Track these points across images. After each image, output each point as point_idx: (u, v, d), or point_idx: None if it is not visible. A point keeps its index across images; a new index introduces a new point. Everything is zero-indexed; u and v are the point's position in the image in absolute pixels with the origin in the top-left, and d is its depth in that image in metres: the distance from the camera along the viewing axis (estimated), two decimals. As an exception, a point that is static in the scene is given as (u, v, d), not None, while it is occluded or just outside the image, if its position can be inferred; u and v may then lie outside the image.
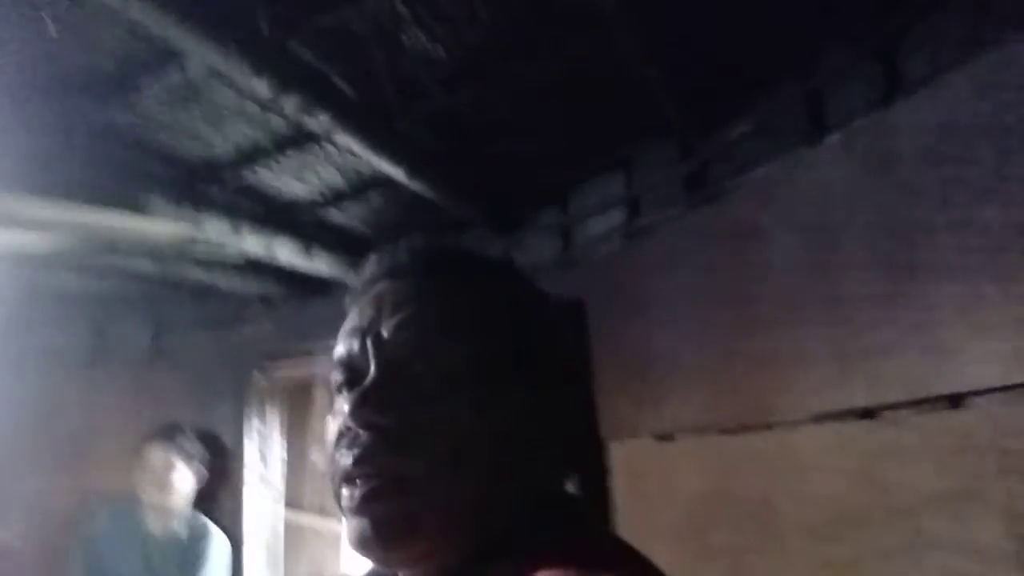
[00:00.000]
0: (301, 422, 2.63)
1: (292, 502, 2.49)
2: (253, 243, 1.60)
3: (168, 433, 2.06)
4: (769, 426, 1.19)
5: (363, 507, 0.49)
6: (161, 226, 1.48)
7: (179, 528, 2.02)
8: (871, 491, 1.00)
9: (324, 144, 1.37)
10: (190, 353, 2.34)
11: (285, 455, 2.42)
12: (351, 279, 0.63)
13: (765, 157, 1.20)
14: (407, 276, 0.55)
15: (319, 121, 1.11)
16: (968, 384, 0.91)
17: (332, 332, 0.57)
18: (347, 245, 1.90)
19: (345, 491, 0.50)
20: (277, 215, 1.67)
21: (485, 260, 0.58)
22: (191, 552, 2.01)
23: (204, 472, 2.07)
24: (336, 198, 1.69)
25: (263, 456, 2.34)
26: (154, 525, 2.00)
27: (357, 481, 0.49)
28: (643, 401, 1.50)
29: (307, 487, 2.67)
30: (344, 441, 0.51)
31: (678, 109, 1.35)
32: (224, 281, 2.02)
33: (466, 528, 0.49)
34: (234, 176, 1.50)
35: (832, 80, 1.13)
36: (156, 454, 2.00)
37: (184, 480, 2.02)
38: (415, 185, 1.41)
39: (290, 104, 1.06)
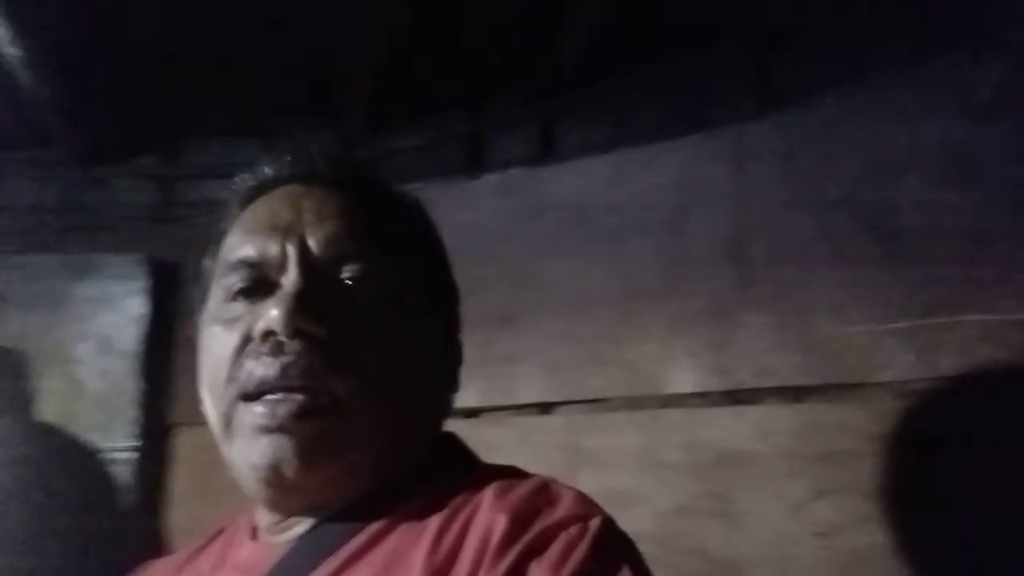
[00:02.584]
0: None
1: None
2: None
3: None
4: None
5: (289, 424, 0.42)
6: None
7: None
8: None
9: None
10: None
11: None
12: (241, 177, 0.51)
13: (425, 175, 1.32)
14: (325, 184, 0.50)
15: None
16: (559, 396, 1.15)
17: None
18: None
19: (259, 408, 0.42)
20: None
21: (393, 185, 0.56)
22: None
23: None
24: None
25: None
26: None
27: (279, 394, 0.42)
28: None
29: None
30: (262, 348, 0.43)
31: (345, 97, 1.38)
32: None
33: (386, 457, 0.46)
34: None
35: (496, 126, 1.33)
36: None
37: None
38: (26, 78, 1.11)
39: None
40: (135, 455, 1.28)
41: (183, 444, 1.38)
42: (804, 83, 1.03)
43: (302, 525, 0.48)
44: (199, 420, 1.41)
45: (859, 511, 0.84)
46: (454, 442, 0.56)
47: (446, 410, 0.57)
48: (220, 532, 0.57)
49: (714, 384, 1.02)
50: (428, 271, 0.55)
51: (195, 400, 1.43)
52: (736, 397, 1.00)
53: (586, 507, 0.44)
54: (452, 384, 0.57)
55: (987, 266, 0.81)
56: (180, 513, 1.34)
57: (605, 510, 0.45)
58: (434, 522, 0.44)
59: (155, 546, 1.29)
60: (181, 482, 1.36)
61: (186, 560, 0.56)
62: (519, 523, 0.42)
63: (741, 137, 1.07)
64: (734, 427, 0.98)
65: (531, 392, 1.16)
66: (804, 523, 0.88)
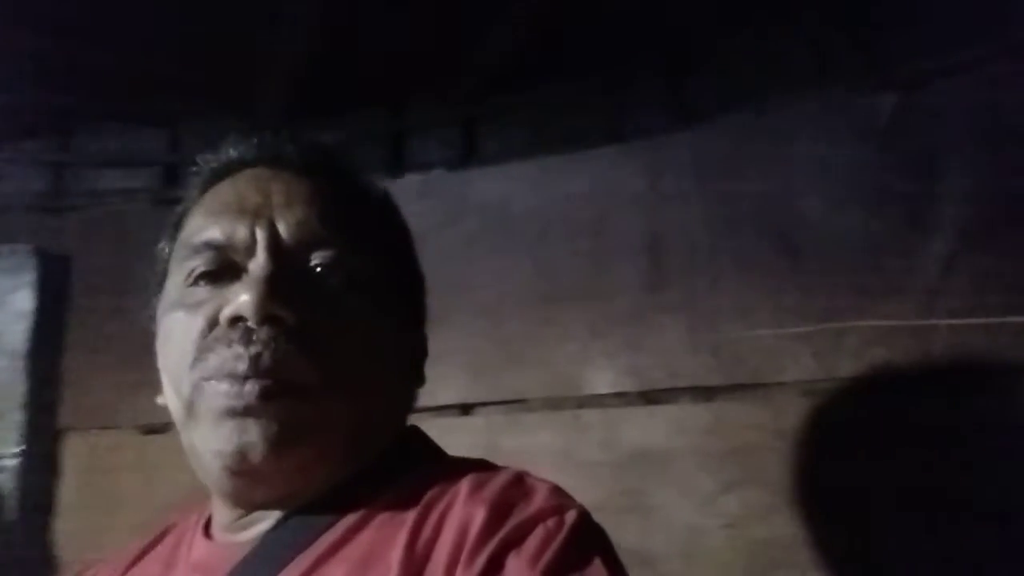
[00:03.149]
0: None
1: None
2: None
3: None
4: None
5: (257, 405, 0.41)
6: None
7: None
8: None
9: None
10: None
11: None
12: (204, 158, 0.49)
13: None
14: (293, 169, 0.49)
15: None
16: (479, 397, 1.17)
17: None
18: None
19: (225, 385, 0.41)
20: None
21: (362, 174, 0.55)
22: None
23: None
24: None
25: None
26: None
27: (247, 379, 0.41)
28: (129, 388, 1.33)
29: None
30: (231, 335, 0.42)
31: (259, 88, 1.34)
32: None
33: (354, 446, 0.45)
34: None
35: (418, 126, 1.32)
36: None
37: None
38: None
39: None
40: (21, 461, 1.19)
41: (73, 450, 1.30)
42: (716, 104, 1.10)
43: (266, 521, 0.47)
44: (90, 424, 1.34)
45: (763, 503, 0.90)
46: (419, 435, 0.57)
47: (411, 403, 0.57)
48: (166, 531, 0.55)
49: (630, 384, 1.06)
50: (397, 262, 0.55)
51: (86, 403, 1.36)
52: (650, 397, 1.04)
53: (562, 500, 0.45)
54: (417, 377, 0.57)
55: (880, 277, 0.89)
56: (68, 522, 1.26)
57: (579, 503, 0.46)
58: (409, 516, 0.44)
59: (42, 556, 1.20)
60: (70, 490, 1.28)
61: (131, 562, 0.53)
62: (496, 516, 0.42)
63: (657, 151, 1.12)
64: (649, 425, 1.03)
65: (451, 393, 1.16)
66: (713, 516, 0.93)
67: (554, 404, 1.11)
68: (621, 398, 1.07)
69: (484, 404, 1.15)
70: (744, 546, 0.90)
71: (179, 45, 1.28)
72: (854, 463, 0.85)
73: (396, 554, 0.41)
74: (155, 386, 1.27)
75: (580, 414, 1.08)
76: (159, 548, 0.54)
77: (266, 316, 0.43)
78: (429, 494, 0.45)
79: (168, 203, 1.42)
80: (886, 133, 0.92)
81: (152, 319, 0.51)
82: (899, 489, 0.81)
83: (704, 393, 1.01)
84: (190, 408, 0.45)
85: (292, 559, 0.43)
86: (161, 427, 1.29)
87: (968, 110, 0.86)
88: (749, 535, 0.90)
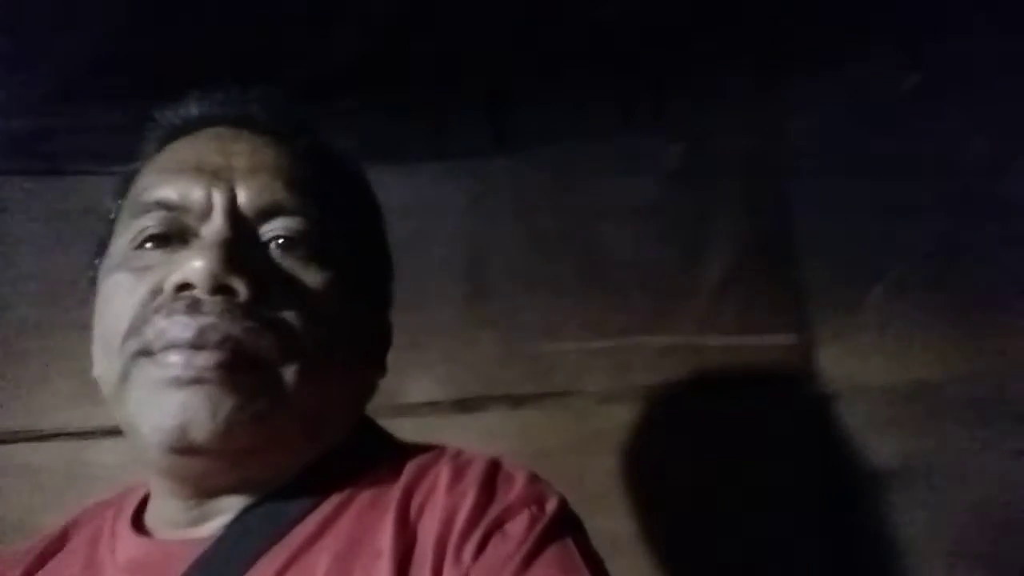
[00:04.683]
0: None
1: None
2: None
3: None
4: (54, 435, 1.11)
5: (213, 377, 0.38)
6: None
7: None
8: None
9: None
10: None
11: None
12: (161, 113, 0.44)
13: (126, 159, 1.21)
14: (261, 131, 0.45)
15: None
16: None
17: None
18: None
19: (173, 357, 0.38)
20: None
21: (333, 144, 0.52)
22: None
23: None
24: None
25: None
26: None
27: (199, 349, 0.38)
28: None
29: None
30: (175, 305, 0.38)
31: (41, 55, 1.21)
32: None
33: (313, 429, 0.42)
34: None
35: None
36: None
37: None
38: None
39: None
40: None
41: None
42: (534, 137, 1.19)
43: (223, 515, 0.42)
44: None
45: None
46: (374, 424, 0.55)
47: (371, 392, 0.55)
48: (67, 531, 0.47)
49: (445, 393, 1.11)
50: (365, 241, 0.52)
51: None
52: (465, 405, 1.10)
53: (543, 487, 0.46)
54: (378, 365, 0.55)
55: (666, 300, 1.03)
56: None
57: (557, 490, 0.48)
58: (390, 501, 0.42)
59: None
60: None
61: (35, 562, 0.45)
62: (482, 500, 0.42)
63: (479, 172, 1.19)
64: (463, 432, 1.08)
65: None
66: (520, 513, 1.01)
67: (371, 412, 1.12)
68: (436, 406, 1.11)
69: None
70: (546, 540, 0.98)
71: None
72: (645, 462, 0.97)
73: (385, 539, 0.40)
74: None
75: (395, 423, 1.11)
76: (70, 547, 0.46)
77: (217, 286, 0.39)
78: (405, 479, 0.44)
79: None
80: (674, 177, 1.07)
81: (93, 282, 0.45)
82: (683, 483, 0.95)
83: (514, 401, 1.08)
84: (124, 379, 0.40)
85: (264, 553, 0.40)
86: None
87: (741, 162, 1.03)
88: (550, 529, 0.98)
